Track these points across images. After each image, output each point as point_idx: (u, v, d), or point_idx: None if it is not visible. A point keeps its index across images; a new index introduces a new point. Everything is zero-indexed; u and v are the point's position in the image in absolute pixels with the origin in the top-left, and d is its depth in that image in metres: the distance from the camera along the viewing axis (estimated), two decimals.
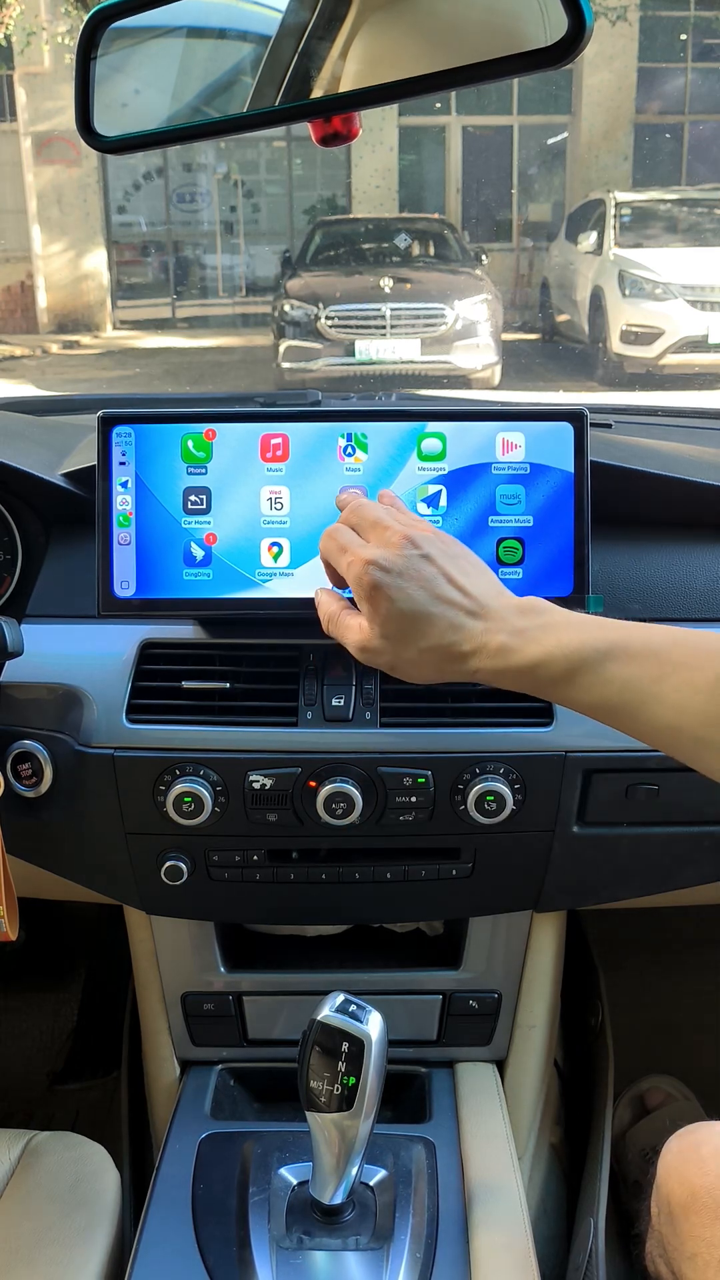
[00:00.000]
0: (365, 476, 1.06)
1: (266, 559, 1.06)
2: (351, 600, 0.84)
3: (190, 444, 1.06)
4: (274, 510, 1.06)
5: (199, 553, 1.07)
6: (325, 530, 0.86)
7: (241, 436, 1.06)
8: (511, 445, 1.05)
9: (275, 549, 1.07)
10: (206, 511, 1.06)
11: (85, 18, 0.78)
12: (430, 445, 1.06)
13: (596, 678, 0.75)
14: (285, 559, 1.06)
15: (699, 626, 1.15)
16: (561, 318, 10.33)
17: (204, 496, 1.06)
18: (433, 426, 1.06)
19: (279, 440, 1.06)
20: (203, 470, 1.06)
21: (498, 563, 1.06)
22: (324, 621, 0.86)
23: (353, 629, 0.82)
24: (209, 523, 1.07)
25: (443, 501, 1.06)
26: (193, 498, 1.06)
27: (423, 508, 1.06)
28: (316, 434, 1.06)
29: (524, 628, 0.78)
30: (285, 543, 1.06)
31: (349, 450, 1.06)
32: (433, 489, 1.06)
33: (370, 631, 0.80)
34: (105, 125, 0.79)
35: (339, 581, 0.86)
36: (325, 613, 0.86)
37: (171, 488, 1.07)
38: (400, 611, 0.78)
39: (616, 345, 8.46)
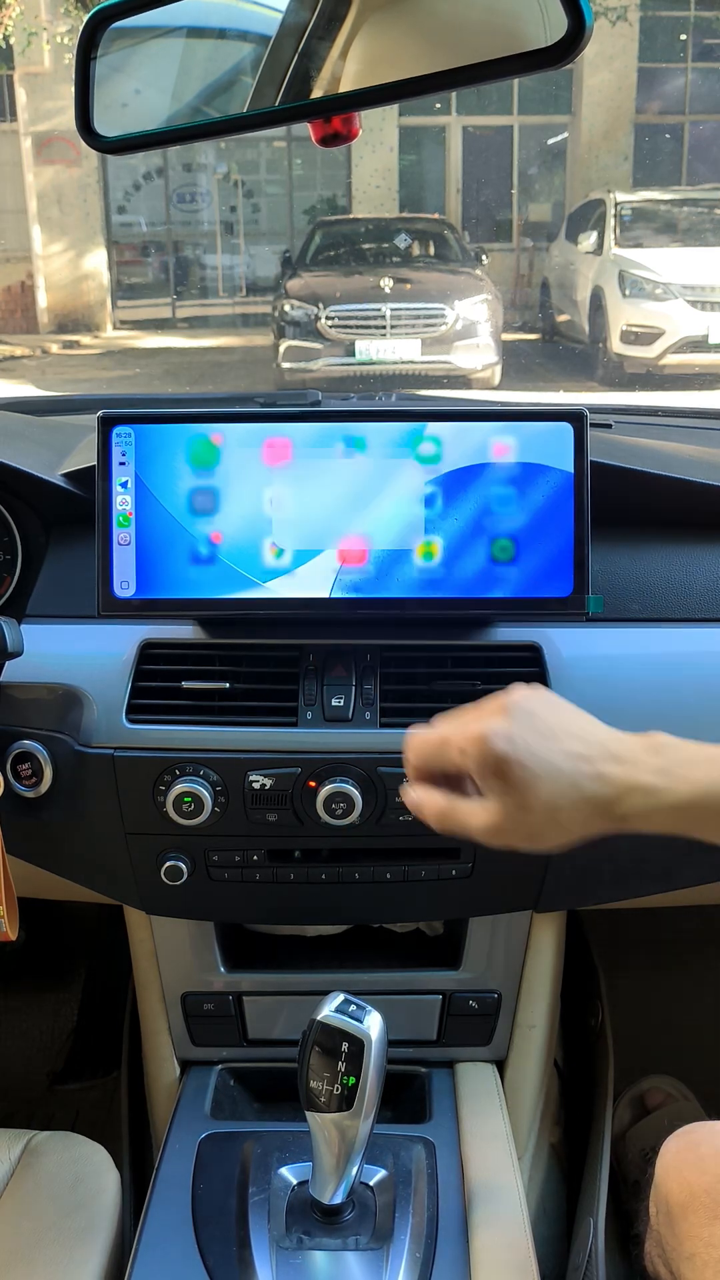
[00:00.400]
0: (364, 478, 1.06)
1: (269, 559, 1.06)
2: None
3: (197, 447, 1.06)
4: (275, 511, 1.06)
5: (204, 550, 1.07)
6: (406, 742, 0.82)
7: (245, 439, 1.06)
8: (504, 448, 1.06)
9: (277, 549, 1.07)
10: (213, 513, 1.07)
11: (85, 18, 0.78)
12: (426, 449, 1.06)
13: None
14: (287, 559, 1.06)
15: (699, 627, 1.16)
16: (562, 318, 10.33)
17: (211, 497, 1.07)
18: (430, 430, 1.06)
19: (282, 443, 1.06)
20: (210, 473, 1.07)
21: (493, 561, 1.06)
22: (434, 818, 0.80)
23: (475, 813, 0.77)
24: (213, 523, 1.07)
25: (439, 503, 1.06)
26: (200, 499, 1.07)
27: (421, 509, 1.06)
28: (317, 436, 1.06)
29: (664, 766, 0.75)
30: (288, 542, 1.06)
31: (347, 453, 1.06)
32: (429, 489, 1.06)
33: (500, 809, 0.76)
34: (105, 125, 0.79)
35: (433, 782, 0.82)
36: (434, 808, 0.80)
37: (172, 488, 1.07)
38: (535, 777, 0.74)
39: (617, 345, 8.46)
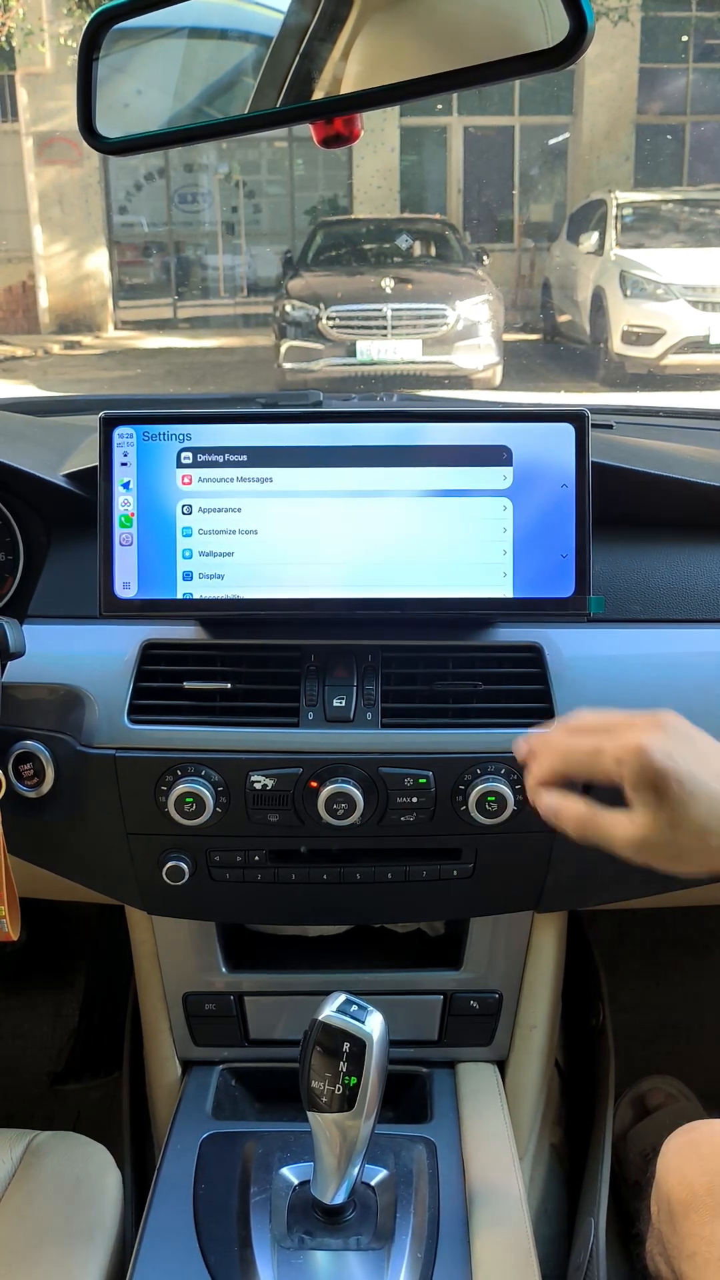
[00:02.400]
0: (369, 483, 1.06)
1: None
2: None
3: (187, 455, 1.07)
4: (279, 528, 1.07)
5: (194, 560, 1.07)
6: (543, 749, 0.81)
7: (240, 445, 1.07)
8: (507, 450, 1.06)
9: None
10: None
11: (88, 19, 0.78)
12: (432, 453, 1.06)
13: None
14: (289, 565, 1.07)
15: (701, 628, 1.16)
16: (563, 318, 10.32)
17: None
18: (435, 433, 1.06)
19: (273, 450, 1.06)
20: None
21: (494, 563, 1.06)
22: (574, 826, 0.79)
23: (621, 824, 0.76)
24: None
25: (448, 508, 1.06)
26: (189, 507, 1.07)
27: (425, 513, 1.06)
28: (320, 441, 1.06)
29: None
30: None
31: (354, 461, 1.06)
32: (436, 496, 1.06)
33: (649, 823, 0.75)
34: (107, 126, 0.79)
35: (570, 785, 0.81)
36: (574, 816, 0.79)
37: (174, 488, 1.07)
38: (690, 795, 0.73)
39: (618, 346, 8.46)
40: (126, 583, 1.07)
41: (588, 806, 0.79)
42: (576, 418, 1.05)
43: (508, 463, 1.06)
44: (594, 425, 1.06)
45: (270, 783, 1.06)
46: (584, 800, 0.79)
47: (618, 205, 9.55)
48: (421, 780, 1.06)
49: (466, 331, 8.12)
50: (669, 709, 1.09)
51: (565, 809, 0.80)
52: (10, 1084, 1.71)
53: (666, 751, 0.74)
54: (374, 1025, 0.93)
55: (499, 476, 1.06)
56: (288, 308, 8.31)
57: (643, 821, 0.75)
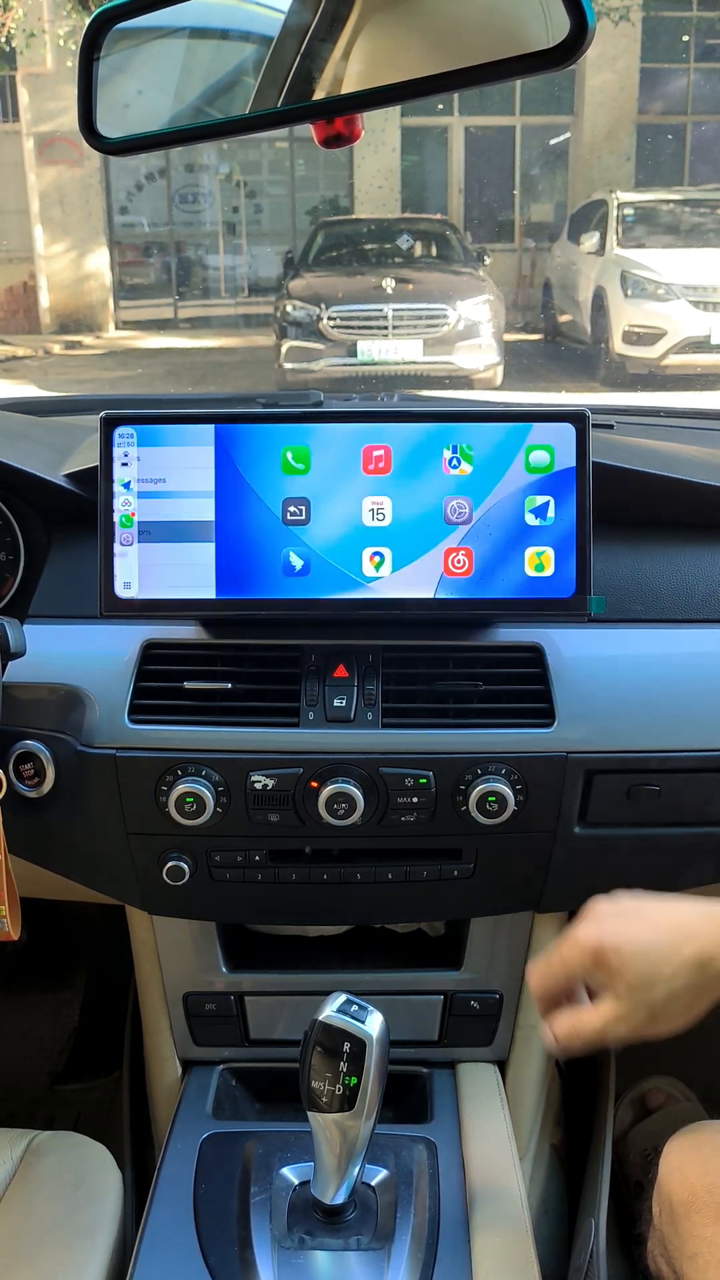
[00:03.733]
0: (389, 488, 1.06)
1: (369, 568, 1.06)
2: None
3: (290, 455, 1.06)
4: (376, 521, 1.07)
5: (298, 562, 1.07)
6: (532, 977, 0.87)
7: (342, 445, 1.06)
8: (540, 456, 1.06)
9: (376, 558, 1.07)
10: (307, 522, 1.07)
11: (88, 19, 0.78)
12: (539, 457, 1.06)
13: None
14: (387, 569, 1.07)
15: (701, 628, 1.16)
16: (564, 318, 10.32)
17: (303, 506, 1.07)
18: (539, 438, 1.05)
19: (381, 452, 1.06)
20: (301, 479, 1.07)
21: (527, 574, 1.06)
22: (565, 1040, 0.84)
23: (593, 1014, 0.82)
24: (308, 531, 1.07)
25: (551, 512, 1.06)
26: (292, 508, 1.07)
27: (531, 519, 1.06)
28: (421, 443, 1.06)
29: None
30: (388, 553, 1.07)
31: (454, 462, 1.06)
32: (541, 499, 1.06)
33: (613, 999, 0.80)
34: (108, 126, 0.79)
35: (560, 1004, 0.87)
36: (561, 1031, 0.85)
37: (274, 488, 1.07)
38: (631, 955, 0.80)
39: (619, 346, 8.45)
40: (127, 582, 1.07)
41: (568, 1016, 0.85)
42: (577, 418, 1.05)
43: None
44: (595, 425, 1.06)
45: (270, 783, 1.06)
46: (565, 1011, 0.85)
47: (619, 205, 9.55)
48: (422, 780, 1.06)
49: (467, 331, 8.12)
50: (670, 708, 1.10)
51: (557, 1030, 0.85)
52: (10, 1084, 1.71)
53: (595, 930, 0.82)
54: (374, 1025, 0.93)
55: None
56: (289, 308, 8.31)
57: (607, 1001, 0.81)
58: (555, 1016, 0.86)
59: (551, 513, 1.05)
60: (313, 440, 1.06)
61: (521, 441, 1.05)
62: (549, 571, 1.06)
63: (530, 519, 1.06)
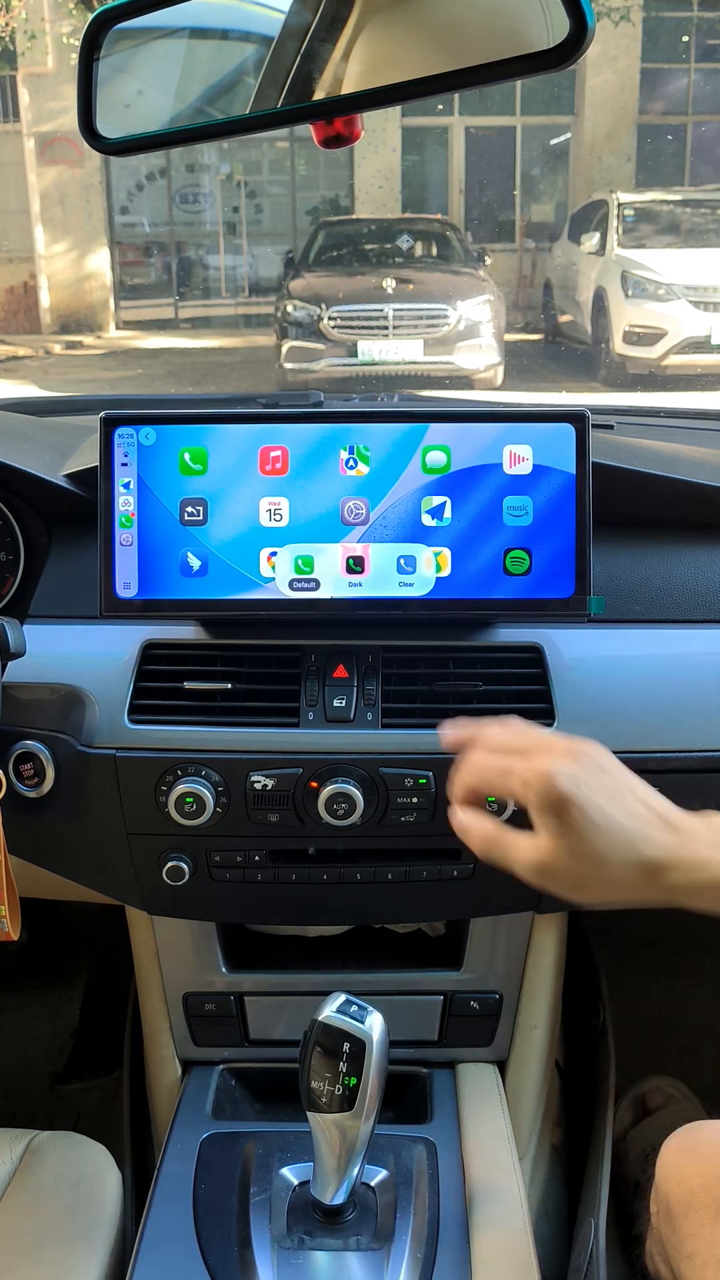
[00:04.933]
0: (365, 487, 1.06)
1: (265, 569, 1.06)
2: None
3: (187, 456, 1.06)
4: (273, 521, 1.06)
5: (195, 562, 1.07)
6: (461, 765, 0.82)
7: (240, 447, 1.06)
8: (519, 458, 1.05)
9: (274, 558, 1.07)
10: (204, 522, 1.07)
11: (89, 19, 0.78)
12: (435, 458, 1.06)
13: None
14: (285, 569, 1.06)
15: (701, 628, 1.16)
16: (564, 318, 10.32)
17: (201, 507, 1.07)
18: (436, 438, 1.05)
19: (278, 453, 1.06)
20: (200, 479, 1.07)
21: (505, 573, 1.06)
22: (479, 844, 0.80)
23: (524, 848, 0.77)
24: (206, 531, 1.07)
25: (447, 513, 1.06)
26: (189, 508, 1.07)
27: (427, 520, 1.06)
28: (317, 444, 1.06)
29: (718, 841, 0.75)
30: (284, 553, 1.06)
31: (351, 463, 1.06)
32: (437, 500, 1.06)
33: (551, 849, 0.75)
34: (108, 126, 0.79)
35: (482, 806, 0.83)
36: (480, 834, 0.80)
37: (174, 489, 1.07)
38: (593, 824, 0.74)
39: (619, 346, 8.46)
40: (127, 583, 1.07)
41: (496, 826, 0.80)
42: (577, 418, 1.05)
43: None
44: (595, 425, 1.06)
45: (270, 783, 1.06)
46: (494, 820, 0.80)
47: (619, 205, 9.55)
48: (421, 780, 1.06)
49: (468, 332, 8.12)
50: (670, 708, 1.10)
51: (474, 827, 0.81)
52: (10, 1084, 1.71)
53: (573, 778, 0.75)
54: (374, 1025, 0.93)
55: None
56: (289, 308, 8.32)
57: (544, 846, 0.76)
58: (478, 815, 0.81)
59: (448, 513, 1.06)
60: (210, 441, 1.06)
61: (418, 442, 1.05)
62: (446, 571, 1.06)
63: (427, 520, 1.06)
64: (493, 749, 0.81)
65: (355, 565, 1.07)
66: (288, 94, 0.75)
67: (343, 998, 0.95)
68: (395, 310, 8.08)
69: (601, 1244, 1.19)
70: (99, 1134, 1.13)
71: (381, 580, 1.07)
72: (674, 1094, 1.56)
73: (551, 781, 0.75)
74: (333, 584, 1.06)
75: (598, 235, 9.46)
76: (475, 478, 1.05)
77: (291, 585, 1.06)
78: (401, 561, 1.06)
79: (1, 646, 1.03)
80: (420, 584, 1.06)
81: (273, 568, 1.06)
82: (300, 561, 1.06)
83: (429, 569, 1.06)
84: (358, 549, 1.06)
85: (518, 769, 0.77)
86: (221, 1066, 1.26)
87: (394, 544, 1.06)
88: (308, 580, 1.06)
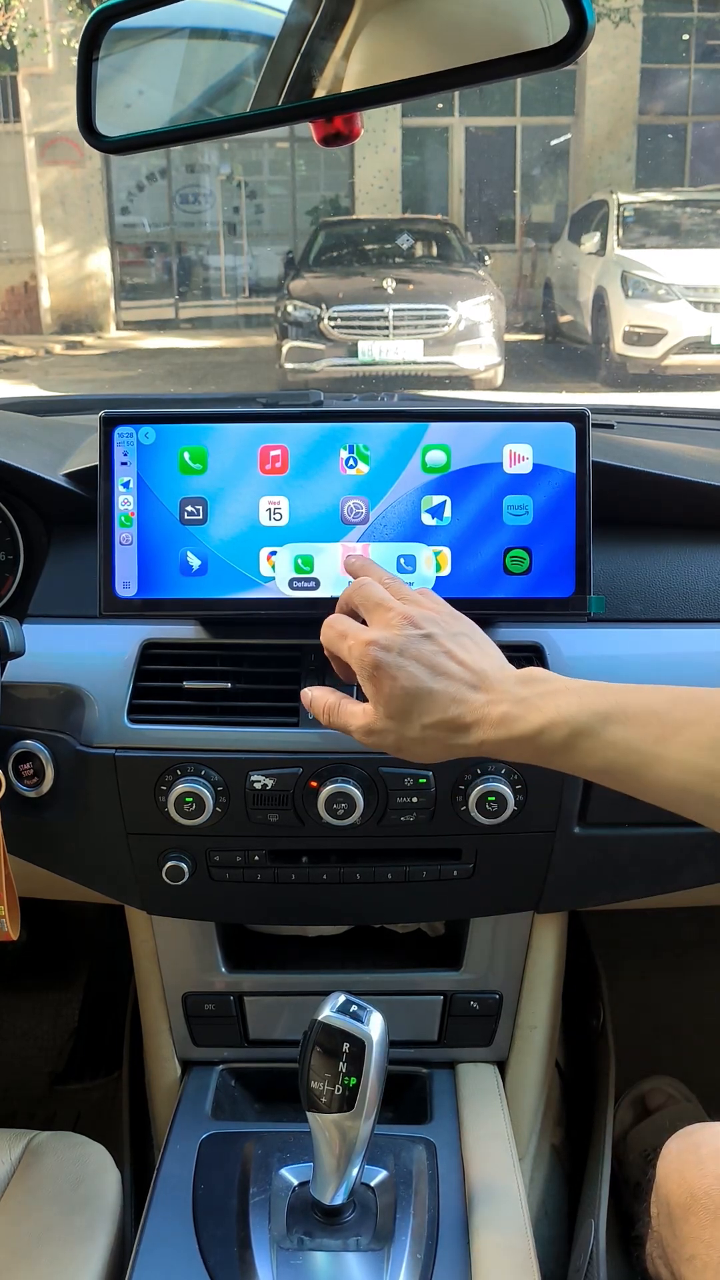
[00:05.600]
0: (365, 487, 1.06)
1: (265, 568, 1.06)
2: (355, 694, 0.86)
3: (187, 455, 1.06)
4: (273, 520, 1.06)
5: (195, 562, 1.07)
6: (326, 620, 0.87)
7: (240, 446, 1.06)
8: (519, 457, 1.05)
9: (274, 558, 1.06)
10: (204, 522, 1.06)
11: (87, 18, 0.78)
12: (434, 457, 1.06)
13: (597, 742, 0.75)
14: (285, 569, 1.06)
15: (701, 628, 1.15)
16: (564, 319, 10.33)
17: (200, 506, 1.06)
18: (436, 438, 1.05)
19: (278, 452, 1.06)
20: (200, 479, 1.07)
21: (505, 573, 1.06)
22: (323, 714, 0.87)
23: (355, 714, 0.83)
24: (206, 530, 1.07)
25: (447, 512, 1.06)
26: (189, 507, 1.07)
27: (427, 519, 1.06)
28: (317, 444, 1.06)
29: (525, 696, 0.78)
30: (284, 552, 1.06)
31: (350, 462, 1.06)
32: (437, 499, 1.06)
33: (374, 713, 0.81)
34: (107, 125, 0.79)
35: (345, 673, 0.88)
36: (323, 705, 0.87)
37: (174, 488, 1.07)
38: (402, 689, 0.79)
39: (619, 346, 8.46)
40: (126, 582, 1.07)
41: (336, 697, 0.86)
42: (577, 417, 1.05)
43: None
44: (595, 425, 1.06)
45: (270, 782, 1.06)
46: (334, 693, 0.87)
47: (619, 206, 9.56)
48: (421, 780, 1.06)
49: (468, 332, 8.13)
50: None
51: (317, 699, 0.87)
52: (10, 1084, 1.71)
53: (388, 646, 0.80)
54: (374, 1026, 0.93)
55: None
56: (289, 308, 8.32)
57: (369, 711, 0.82)
58: (323, 689, 0.88)
59: (448, 513, 1.05)
60: (210, 440, 1.06)
61: (418, 442, 1.05)
62: (446, 571, 1.06)
63: (427, 519, 1.06)
64: (353, 604, 0.87)
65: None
66: (288, 92, 0.75)
67: (343, 998, 0.95)
68: (395, 310, 8.08)
69: (601, 1244, 1.19)
70: (99, 1134, 1.13)
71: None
72: (674, 1094, 1.56)
73: (366, 650, 0.81)
74: (333, 583, 1.06)
75: (598, 235, 9.46)
76: (475, 477, 1.05)
77: (291, 585, 1.06)
78: (401, 561, 1.06)
79: (1, 646, 1.03)
80: (420, 583, 1.06)
81: (272, 567, 1.06)
82: (300, 561, 1.06)
83: (429, 568, 1.06)
84: (358, 548, 1.06)
85: (350, 636, 0.83)
86: (221, 1066, 1.26)
87: (394, 543, 1.06)
88: (308, 579, 1.06)
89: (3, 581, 1.21)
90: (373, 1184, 1.04)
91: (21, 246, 13.49)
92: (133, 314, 13.97)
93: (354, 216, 12.85)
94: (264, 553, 1.06)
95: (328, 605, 1.06)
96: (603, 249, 9.26)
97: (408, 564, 1.06)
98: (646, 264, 8.63)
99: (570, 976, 1.34)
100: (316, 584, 1.07)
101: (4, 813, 1.07)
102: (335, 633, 0.86)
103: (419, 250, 9.79)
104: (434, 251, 9.82)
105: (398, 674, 0.79)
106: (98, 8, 0.77)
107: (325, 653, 0.89)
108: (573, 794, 1.09)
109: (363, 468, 1.06)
